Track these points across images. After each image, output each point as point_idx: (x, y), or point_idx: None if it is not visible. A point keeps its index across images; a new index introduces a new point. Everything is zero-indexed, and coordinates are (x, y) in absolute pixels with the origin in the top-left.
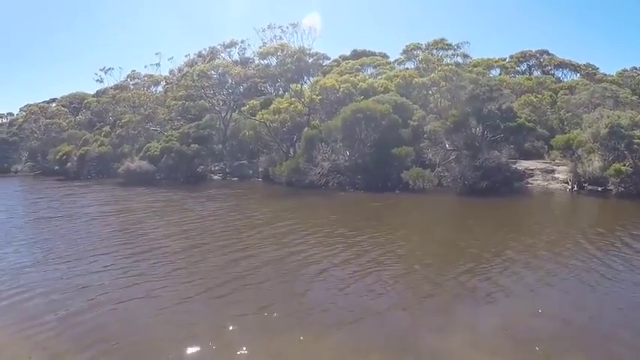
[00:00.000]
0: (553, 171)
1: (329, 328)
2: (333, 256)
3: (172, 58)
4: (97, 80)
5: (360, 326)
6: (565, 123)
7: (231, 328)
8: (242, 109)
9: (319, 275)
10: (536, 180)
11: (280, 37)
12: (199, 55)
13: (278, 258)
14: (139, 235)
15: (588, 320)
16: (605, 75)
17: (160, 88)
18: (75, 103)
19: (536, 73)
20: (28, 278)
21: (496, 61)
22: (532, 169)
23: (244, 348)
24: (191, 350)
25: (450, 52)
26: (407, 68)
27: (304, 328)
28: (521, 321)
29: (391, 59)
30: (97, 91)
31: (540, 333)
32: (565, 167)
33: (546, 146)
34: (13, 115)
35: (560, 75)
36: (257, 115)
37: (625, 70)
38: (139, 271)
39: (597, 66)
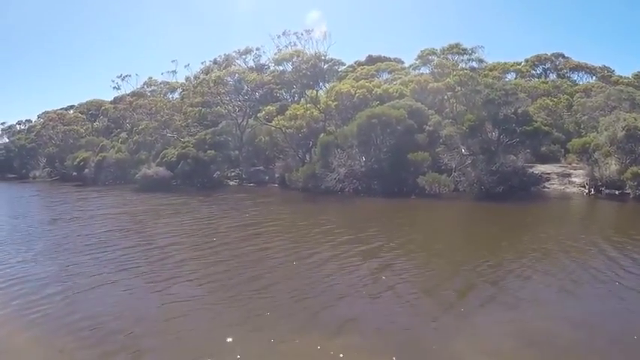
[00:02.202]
0: (570, 175)
1: (330, 329)
2: (343, 258)
3: (189, 65)
4: (114, 87)
5: (369, 328)
6: (581, 126)
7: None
8: (258, 115)
9: (325, 276)
10: (553, 184)
11: (295, 44)
12: (215, 62)
13: (289, 259)
14: (144, 234)
15: (602, 328)
16: (621, 77)
17: (176, 95)
18: (92, 110)
19: (552, 76)
20: (25, 270)
21: (511, 65)
22: (549, 173)
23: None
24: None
25: (465, 57)
26: (422, 73)
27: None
28: (533, 327)
29: (406, 64)
30: (114, 98)
31: (553, 339)
32: (582, 171)
33: (563, 150)
34: (31, 121)
35: (575, 78)
36: (273, 121)
37: None
38: (130, 264)
39: (613, 68)
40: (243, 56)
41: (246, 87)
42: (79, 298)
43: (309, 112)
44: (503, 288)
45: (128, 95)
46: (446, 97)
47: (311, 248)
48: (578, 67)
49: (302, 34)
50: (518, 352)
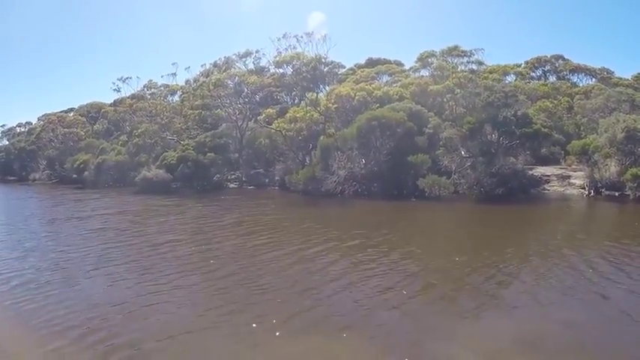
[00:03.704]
0: (569, 176)
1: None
2: (338, 258)
3: (189, 67)
4: (115, 90)
5: (364, 329)
6: (581, 128)
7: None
8: (258, 117)
9: (322, 275)
10: (553, 186)
11: (295, 47)
12: (215, 64)
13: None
14: (136, 232)
15: (597, 331)
16: (621, 79)
17: (176, 98)
18: (92, 113)
19: (552, 78)
20: (13, 265)
21: (511, 68)
22: (548, 175)
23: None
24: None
25: (464, 60)
26: (422, 76)
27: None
28: (529, 328)
29: (406, 67)
30: (114, 101)
31: (548, 341)
32: (582, 173)
33: (562, 152)
34: (31, 124)
35: (575, 80)
36: (273, 124)
37: None
38: (118, 259)
39: (613, 70)
40: (243, 59)
41: (246, 90)
42: (59, 291)
43: (309, 114)
44: (500, 290)
45: (128, 98)
46: (445, 99)
47: (304, 247)
48: (578, 69)
49: (302, 37)
50: (514, 353)
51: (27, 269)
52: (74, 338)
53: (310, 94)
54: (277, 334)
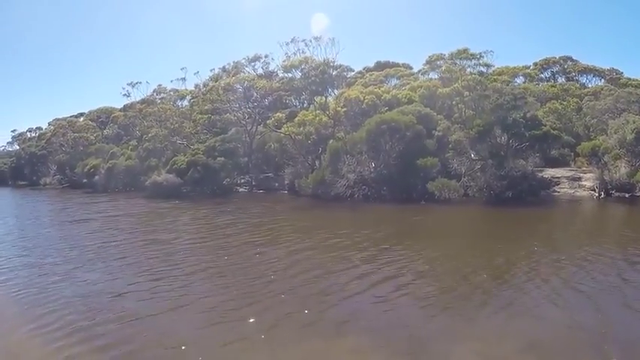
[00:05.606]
0: (579, 178)
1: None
2: (346, 260)
3: (198, 72)
4: (124, 94)
5: (369, 330)
6: (591, 129)
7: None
8: (267, 122)
9: (329, 276)
10: (563, 188)
11: (303, 51)
12: (224, 69)
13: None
14: (138, 232)
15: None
16: (630, 79)
17: (185, 102)
18: (102, 117)
19: (561, 79)
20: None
21: (520, 69)
22: (558, 177)
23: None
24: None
25: (472, 62)
26: (431, 79)
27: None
28: (533, 331)
29: (415, 70)
30: (124, 106)
31: (553, 344)
32: (591, 174)
33: (572, 153)
34: (41, 129)
35: (584, 81)
36: (282, 128)
37: None
38: (111, 254)
39: (622, 70)
40: (252, 63)
41: (255, 94)
42: (59, 284)
43: (318, 118)
44: (505, 293)
45: (138, 102)
46: (454, 102)
47: (304, 247)
48: (587, 70)
49: (310, 41)
50: (519, 356)
51: (28, 267)
52: (65, 325)
53: (319, 97)
54: (251, 320)
